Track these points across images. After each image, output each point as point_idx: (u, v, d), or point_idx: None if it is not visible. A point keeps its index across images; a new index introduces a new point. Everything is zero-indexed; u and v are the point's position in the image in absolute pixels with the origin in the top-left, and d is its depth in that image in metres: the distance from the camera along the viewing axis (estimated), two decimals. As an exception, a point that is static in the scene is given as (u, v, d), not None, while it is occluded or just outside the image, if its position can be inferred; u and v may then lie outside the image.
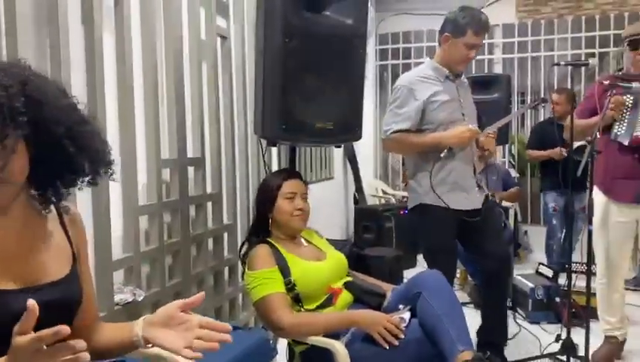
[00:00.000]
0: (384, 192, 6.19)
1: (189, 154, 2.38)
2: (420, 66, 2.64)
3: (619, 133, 2.60)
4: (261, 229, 2.07)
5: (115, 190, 1.89)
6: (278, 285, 1.87)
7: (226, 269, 2.72)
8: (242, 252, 2.08)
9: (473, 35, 2.41)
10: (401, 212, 5.01)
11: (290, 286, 1.90)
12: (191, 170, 2.41)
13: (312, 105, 2.15)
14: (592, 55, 5.57)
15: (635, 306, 3.35)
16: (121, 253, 1.96)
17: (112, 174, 1.08)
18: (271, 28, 2.08)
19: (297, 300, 1.91)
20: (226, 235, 2.70)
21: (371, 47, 6.25)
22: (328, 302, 1.94)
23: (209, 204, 2.54)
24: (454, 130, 2.43)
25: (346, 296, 1.98)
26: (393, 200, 5.93)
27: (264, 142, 2.39)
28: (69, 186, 1.05)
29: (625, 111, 2.57)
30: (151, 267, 2.15)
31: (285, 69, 2.05)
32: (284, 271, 1.91)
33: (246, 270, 1.98)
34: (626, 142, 2.57)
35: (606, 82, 2.62)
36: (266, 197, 2.05)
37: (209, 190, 2.54)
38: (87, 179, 1.04)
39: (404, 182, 6.59)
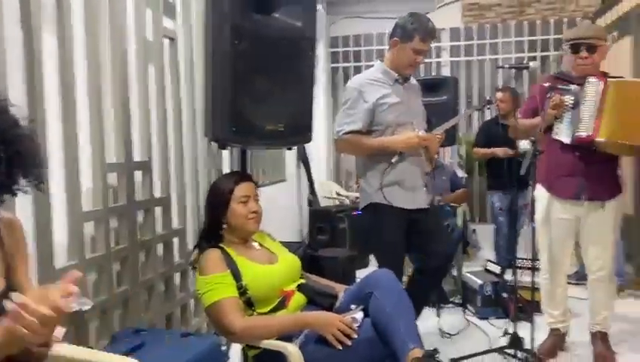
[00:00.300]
0: (337, 194, 6.23)
1: (136, 158, 2.33)
2: (370, 69, 2.69)
3: (560, 131, 2.70)
4: (212, 234, 2.04)
5: (58, 196, 1.83)
6: (230, 290, 1.85)
7: (177, 275, 2.67)
8: (192, 258, 2.04)
9: (420, 41, 2.48)
10: (354, 213, 5.06)
11: (242, 291, 1.88)
12: (138, 173, 2.35)
13: (262, 108, 2.15)
14: (534, 58, 5.79)
15: (576, 299, 3.49)
16: (66, 261, 1.90)
17: (40, 183, 1.03)
18: (220, 30, 2.06)
19: (250, 304, 1.90)
20: (176, 240, 2.65)
21: (323, 50, 6.28)
22: (281, 305, 1.94)
23: (157, 209, 2.49)
24: (403, 136, 2.50)
25: (298, 299, 1.98)
26: (347, 202, 5.97)
27: (214, 145, 2.36)
28: (3, 193, 1.00)
29: (565, 110, 2.68)
30: (98, 274, 2.08)
31: (235, 71, 2.03)
32: (236, 275, 1.90)
33: (197, 275, 1.96)
34: (567, 141, 2.68)
35: (546, 84, 2.73)
36: (219, 201, 2.02)
37: (157, 194, 2.48)
38: (21, 185, 1.00)
39: (357, 183, 6.65)
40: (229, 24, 2.02)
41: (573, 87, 2.67)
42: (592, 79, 2.62)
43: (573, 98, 2.65)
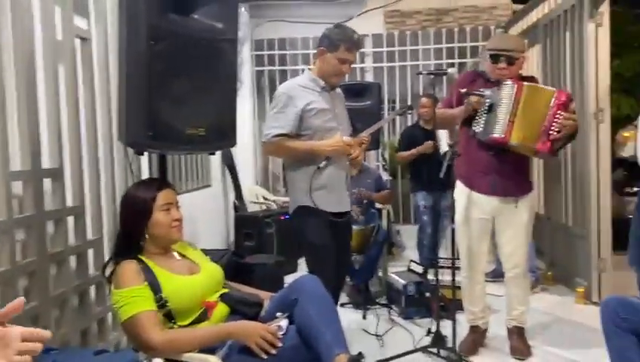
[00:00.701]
0: (265, 198, 6.17)
1: (45, 165, 2.18)
2: (300, 76, 2.78)
3: (477, 130, 2.81)
4: (130, 244, 1.93)
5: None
6: (148, 303, 1.77)
7: (93, 288, 2.53)
8: (107, 271, 1.93)
9: (345, 51, 2.56)
10: (282, 217, 5.03)
11: (161, 304, 1.80)
12: (47, 181, 2.20)
13: (181, 111, 2.07)
14: (452, 65, 6.03)
15: (494, 296, 3.65)
16: (-37, 279, 1.74)
17: None
18: (135, 30, 1.97)
19: (170, 317, 1.82)
20: (91, 251, 2.51)
21: (247, 53, 6.22)
22: (203, 317, 1.87)
23: (70, 219, 2.34)
24: (329, 141, 2.57)
25: (221, 309, 1.92)
26: (274, 206, 5.93)
27: (131, 151, 2.25)
28: None
29: (483, 110, 2.79)
30: (2, 290, 1.92)
31: (151, 73, 1.95)
32: (155, 287, 1.81)
33: (113, 289, 1.85)
34: (483, 139, 2.80)
35: (463, 90, 2.83)
36: (140, 210, 1.91)
37: (69, 203, 2.34)
38: None
39: (286, 187, 6.63)
40: (145, 24, 1.94)
41: (488, 92, 2.78)
42: (507, 82, 2.75)
43: (489, 99, 2.76)
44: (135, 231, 1.93)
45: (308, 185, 2.55)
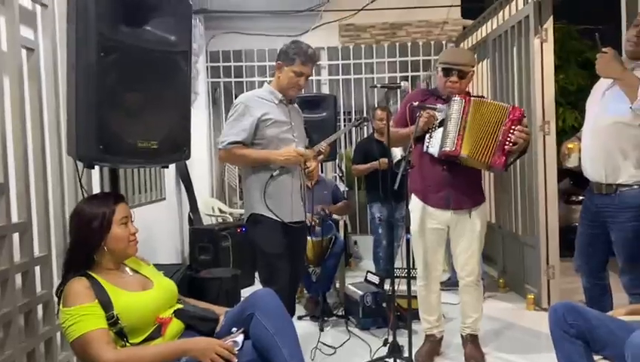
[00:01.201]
0: (221, 211, 6.11)
1: (-12, 180, 2.09)
2: (259, 89, 2.91)
3: (430, 146, 2.88)
4: (81, 261, 1.87)
5: None
6: (98, 321, 1.71)
7: (40, 307, 2.43)
8: (57, 289, 1.86)
9: (300, 64, 2.71)
10: (239, 230, 4.99)
11: (112, 321, 1.74)
12: (-9, 197, 2.11)
13: (133, 124, 2.02)
14: (406, 78, 6.16)
15: (449, 304, 3.72)
16: None
17: None
18: (85, 41, 1.92)
19: (122, 335, 1.76)
20: (38, 269, 2.41)
21: (202, 64, 6.16)
22: (157, 334, 1.83)
23: (15, 235, 2.25)
24: (283, 151, 2.68)
25: (175, 325, 1.88)
26: (230, 219, 5.88)
27: (81, 164, 2.19)
28: None
29: (434, 126, 2.86)
30: (-61, 313, 1.82)
31: (101, 85, 1.90)
32: (106, 304, 1.76)
33: (61, 307, 1.78)
34: (435, 154, 2.86)
35: (415, 103, 2.89)
36: (99, 225, 1.85)
37: (15, 219, 2.24)
38: None
39: (242, 199, 6.58)
40: (95, 35, 1.89)
41: (439, 105, 2.85)
42: (456, 98, 2.82)
43: (440, 115, 2.83)
44: (91, 246, 1.86)
45: (261, 192, 2.67)
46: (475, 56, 5.37)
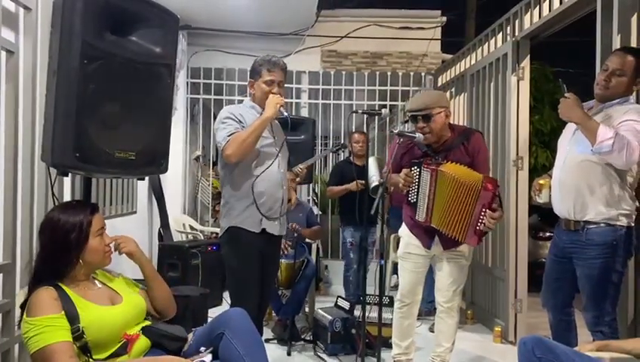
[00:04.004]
0: (192, 228, 6.02)
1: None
2: (240, 104, 2.92)
3: (412, 201, 2.90)
4: (49, 272, 1.80)
5: None
6: (62, 333, 1.65)
7: (-1, 317, 2.34)
8: (22, 298, 1.79)
9: (267, 72, 2.74)
10: (209, 248, 4.92)
11: (77, 335, 1.68)
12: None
13: (112, 134, 2.01)
14: (384, 106, 6.24)
15: (418, 333, 3.71)
16: None
17: None
18: (68, 47, 1.91)
19: (86, 350, 1.70)
20: (0, 277, 2.33)
21: (183, 80, 6.15)
22: (122, 351, 1.77)
23: (-21, 242, 2.17)
24: (269, 103, 2.65)
25: (142, 343, 1.83)
26: (201, 237, 5.80)
27: (54, 171, 2.14)
28: None
29: (414, 186, 2.88)
30: None
31: (82, 93, 1.88)
32: (72, 317, 1.70)
33: (24, 317, 1.72)
34: (420, 219, 2.87)
35: (400, 154, 2.96)
36: (76, 236, 1.80)
37: (-20, 224, 2.17)
38: None
39: (215, 217, 6.51)
40: (79, 42, 1.88)
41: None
42: (425, 169, 2.83)
43: (417, 169, 2.86)
44: (67, 258, 1.80)
45: (243, 205, 2.64)
46: (453, 90, 5.50)
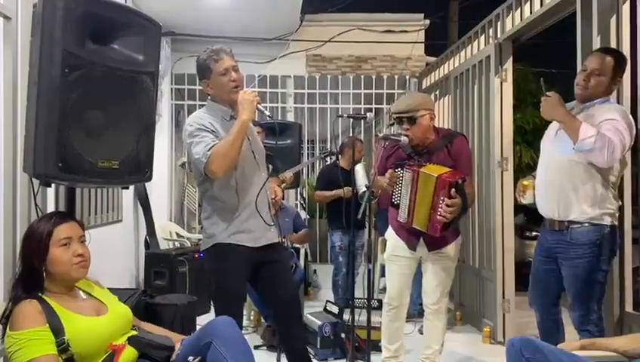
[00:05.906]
0: (178, 235, 5.98)
1: None
2: (204, 109, 2.59)
3: (396, 202, 2.91)
4: (30, 283, 1.78)
5: None
6: (48, 346, 1.63)
7: (-18, 331, 2.29)
8: (4, 313, 1.77)
9: (216, 63, 2.46)
10: (197, 255, 4.88)
11: (63, 347, 1.66)
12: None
13: (95, 143, 1.98)
14: (370, 110, 6.27)
15: (408, 335, 3.71)
16: None
17: None
18: (49, 56, 1.89)
19: (71, 362, 1.68)
20: (-17, 290, 2.29)
21: (167, 86, 6.11)
22: None
23: (-40, 254, 2.14)
24: (243, 103, 2.39)
25: (129, 353, 1.81)
26: (188, 244, 5.75)
27: (37, 182, 2.11)
28: None
29: (398, 188, 2.89)
30: None
31: (63, 102, 1.86)
32: (57, 329, 1.68)
33: (7, 331, 1.69)
34: (402, 220, 2.88)
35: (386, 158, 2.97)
36: (36, 247, 1.77)
37: (-39, 237, 2.14)
38: None
39: (201, 224, 6.44)
40: (60, 51, 1.86)
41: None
42: (407, 169, 2.84)
43: (402, 172, 2.87)
44: (32, 268, 1.79)
45: (227, 221, 2.44)
46: (437, 92, 5.54)
